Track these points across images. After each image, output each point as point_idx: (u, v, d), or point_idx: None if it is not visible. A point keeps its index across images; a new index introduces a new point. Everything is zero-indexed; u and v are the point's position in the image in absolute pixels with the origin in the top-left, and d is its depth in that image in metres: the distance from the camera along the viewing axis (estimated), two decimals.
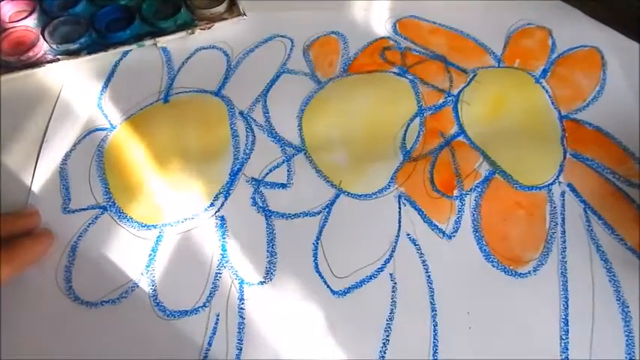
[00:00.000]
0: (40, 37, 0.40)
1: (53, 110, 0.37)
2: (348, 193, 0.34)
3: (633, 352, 0.28)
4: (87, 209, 0.33)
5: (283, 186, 0.34)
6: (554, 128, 0.37)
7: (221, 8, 0.43)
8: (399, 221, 0.33)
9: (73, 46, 0.40)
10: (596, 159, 0.35)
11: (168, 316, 0.29)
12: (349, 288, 0.30)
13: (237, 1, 0.43)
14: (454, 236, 0.32)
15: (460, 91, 0.39)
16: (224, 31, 0.43)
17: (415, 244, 0.32)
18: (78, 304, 0.29)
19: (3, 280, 0.27)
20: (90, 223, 0.32)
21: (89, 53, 0.40)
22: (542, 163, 0.35)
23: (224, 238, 0.32)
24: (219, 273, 0.31)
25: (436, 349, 0.28)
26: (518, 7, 0.45)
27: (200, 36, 0.42)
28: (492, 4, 0.45)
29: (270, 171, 0.35)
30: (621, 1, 0.43)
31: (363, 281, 0.30)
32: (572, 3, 0.45)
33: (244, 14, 0.43)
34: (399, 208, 0.33)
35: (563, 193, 0.34)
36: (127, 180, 0.34)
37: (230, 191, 0.34)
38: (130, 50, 0.41)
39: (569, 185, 0.34)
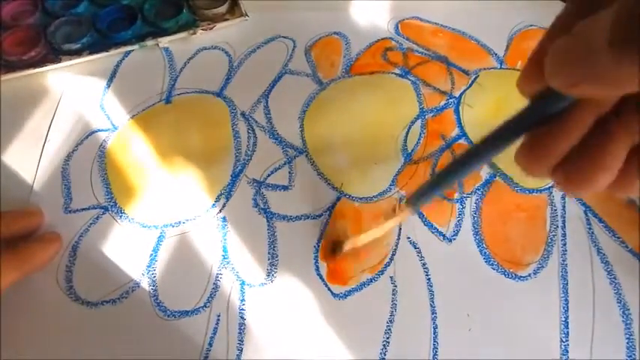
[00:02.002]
0: (42, 36, 0.40)
1: (55, 110, 0.37)
2: (350, 195, 0.34)
3: (634, 354, 0.28)
4: (88, 209, 0.33)
5: (285, 188, 0.34)
6: None
7: (223, 9, 0.43)
8: (400, 224, 0.33)
9: (74, 46, 0.40)
10: None
11: (168, 316, 0.29)
12: (350, 291, 0.30)
13: (239, 2, 0.43)
14: (454, 239, 0.32)
15: (462, 93, 0.39)
16: (226, 32, 0.42)
17: (415, 247, 0.32)
18: (78, 304, 0.29)
19: (9, 284, 0.27)
20: (91, 223, 0.32)
21: (91, 53, 0.40)
22: None
23: (225, 239, 0.32)
24: (219, 274, 0.31)
25: (436, 351, 0.28)
26: (520, 9, 0.45)
27: (202, 36, 0.42)
28: (494, 5, 0.45)
29: (272, 172, 0.35)
30: None
31: (364, 284, 0.30)
32: None
33: (246, 15, 0.43)
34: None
35: (563, 196, 0.34)
36: (128, 180, 0.34)
37: (231, 192, 0.34)
38: (132, 50, 0.41)
39: None
